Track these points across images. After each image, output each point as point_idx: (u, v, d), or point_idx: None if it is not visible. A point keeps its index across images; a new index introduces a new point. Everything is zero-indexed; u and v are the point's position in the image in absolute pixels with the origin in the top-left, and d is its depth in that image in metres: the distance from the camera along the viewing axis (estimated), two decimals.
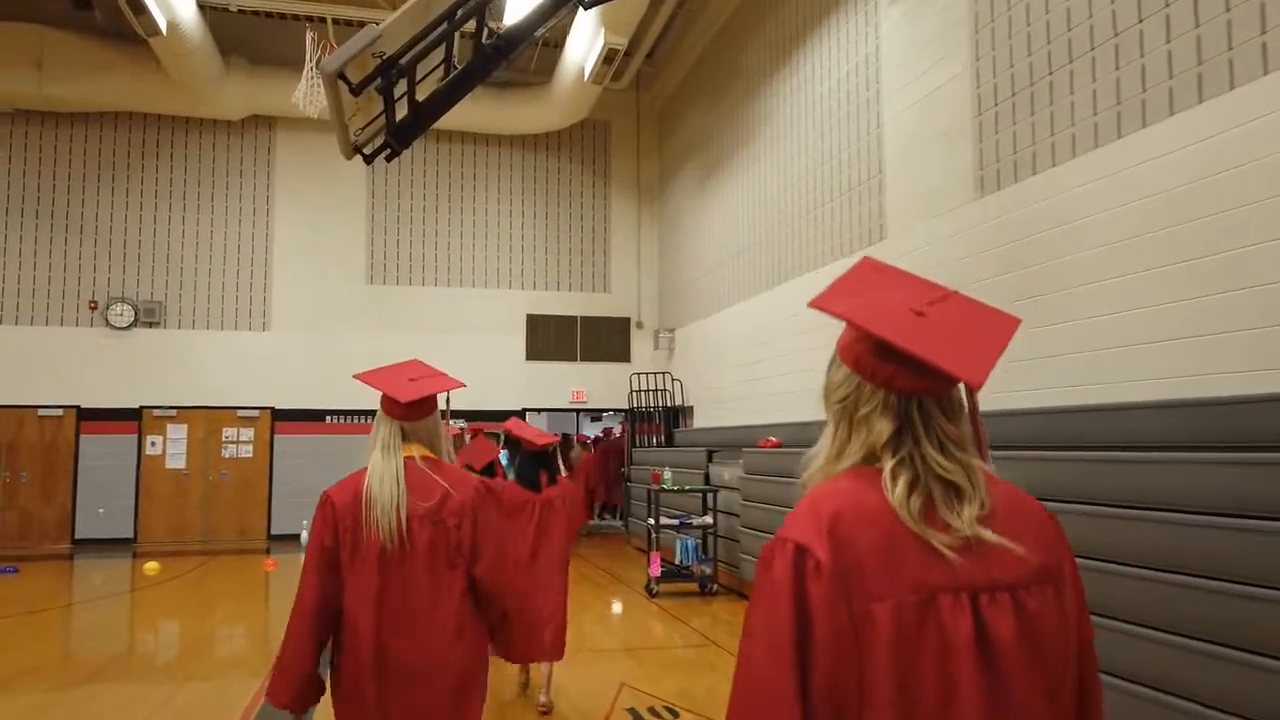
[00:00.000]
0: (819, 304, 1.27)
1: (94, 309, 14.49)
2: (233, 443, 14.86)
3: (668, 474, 9.57)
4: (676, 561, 9.32)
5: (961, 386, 1.21)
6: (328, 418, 15.17)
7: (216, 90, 13.79)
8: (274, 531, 14.80)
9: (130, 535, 14.32)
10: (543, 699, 5.38)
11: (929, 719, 1.07)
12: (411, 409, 2.53)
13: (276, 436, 15.00)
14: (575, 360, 16.15)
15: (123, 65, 13.35)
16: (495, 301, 15.95)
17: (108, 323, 14.46)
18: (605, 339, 16.30)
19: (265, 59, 14.25)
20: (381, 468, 2.53)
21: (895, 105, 8.20)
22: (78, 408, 14.31)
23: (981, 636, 1.10)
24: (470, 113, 14.92)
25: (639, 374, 14.45)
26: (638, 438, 14.83)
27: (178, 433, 14.65)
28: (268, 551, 13.80)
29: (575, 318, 16.23)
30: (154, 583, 10.86)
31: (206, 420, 14.77)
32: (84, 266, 14.56)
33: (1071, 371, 5.74)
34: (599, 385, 16.07)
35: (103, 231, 14.65)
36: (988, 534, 1.14)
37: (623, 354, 16.36)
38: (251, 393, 14.93)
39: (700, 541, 9.25)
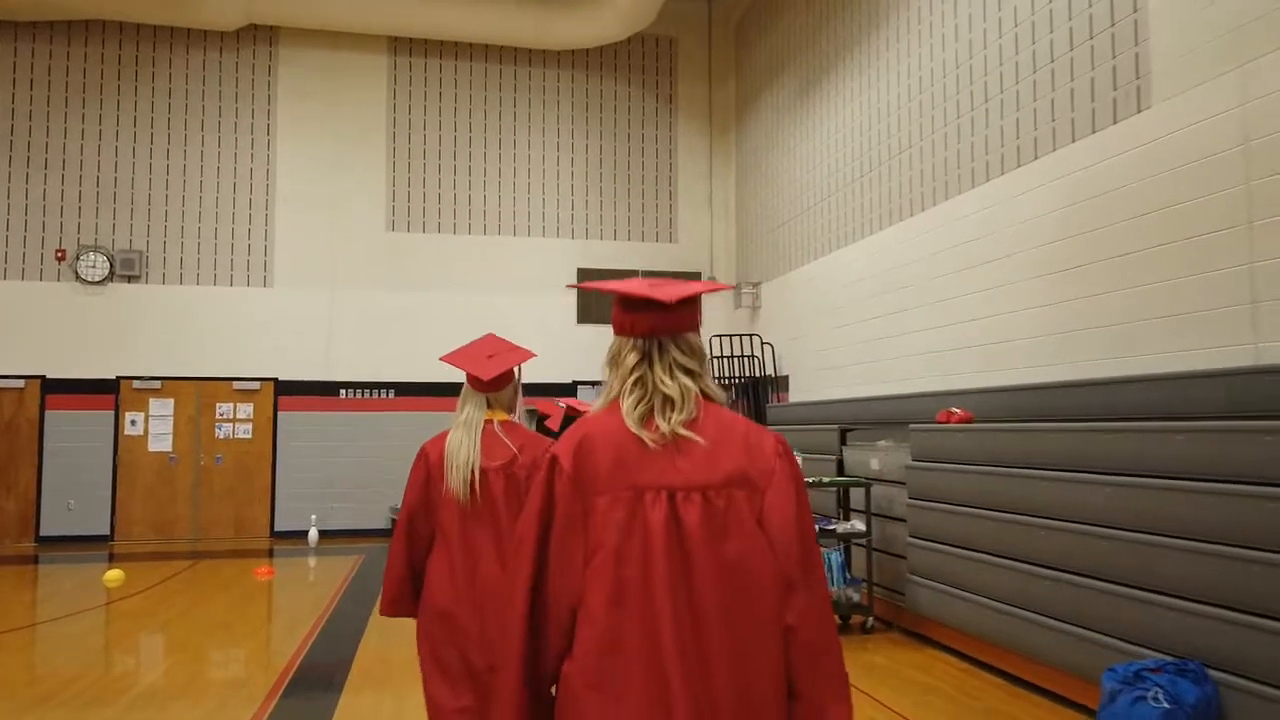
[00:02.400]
0: (586, 286, 2.01)
1: (61, 260, 12.04)
2: (228, 421, 12.40)
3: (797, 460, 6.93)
4: None
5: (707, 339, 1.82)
6: (342, 391, 12.67)
7: None
8: (278, 528, 12.36)
9: (106, 532, 11.91)
10: None
11: (635, 573, 1.57)
12: (493, 384, 2.92)
13: (280, 414, 12.52)
14: None
15: None
16: (540, 253, 13.34)
17: (78, 276, 12.01)
18: None
19: None
20: (462, 431, 2.88)
21: None
22: (42, 378, 11.90)
23: (674, 521, 1.59)
24: (509, 22, 12.26)
25: (722, 337, 11.79)
26: None
27: (162, 409, 12.20)
28: (270, 554, 11.34)
29: (635, 272, 13.58)
30: (120, 595, 8.43)
31: (197, 394, 12.31)
32: (49, 209, 12.10)
33: None
34: None
35: (71, 167, 12.17)
36: (682, 430, 1.62)
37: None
38: (251, 361, 12.45)
39: (845, 557, 6.61)
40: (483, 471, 2.83)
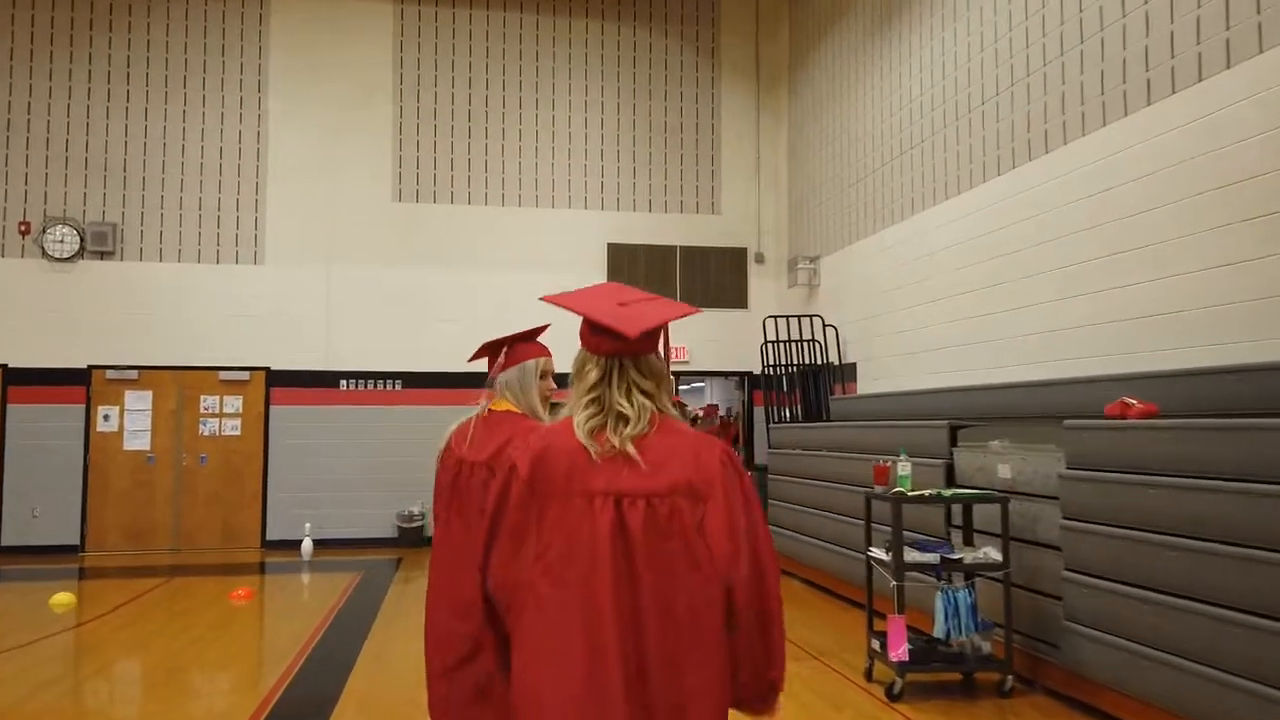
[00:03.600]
0: (551, 299, 1.98)
1: (25, 234, 10.64)
2: (214, 416, 10.96)
3: (904, 465, 5.31)
4: (934, 633, 5.07)
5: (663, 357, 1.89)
6: (343, 382, 11.20)
7: None
8: (270, 536, 10.91)
9: (76, 542, 10.51)
10: None
11: (583, 567, 1.72)
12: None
13: (273, 408, 11.07)
14: None
15: None
16: (565, 227, 11.80)
17: (44, 252, 10.61)
18: (713, 277, 12.07)
19: None
20: (467, 420, 2.76)
21: None
22: (4, 368, 10.51)
23: (619, 522, 1.74)
24: None
25: (778, 318, 10.20)
26: (770, 411, 10.59)
27: (140, 402, 10.79)
28: (260, 568, 9.90)
29: (673, 249, 12.01)
30: (75, 620, 7.02)
31: (178, 385, 10.88)
32: (12, 177, 10.70)
33: None
34: (706, 339, 11.88)
35: (36, 131, 10.76)
36: (629, 447, 1.76)
37: (736, 296, 12.11)
38: (239, 349, 11.01)
39: (972, 596, 5.01)
40: (466, 464, 2.68)
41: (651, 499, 1.74)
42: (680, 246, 12.02)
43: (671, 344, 1.96)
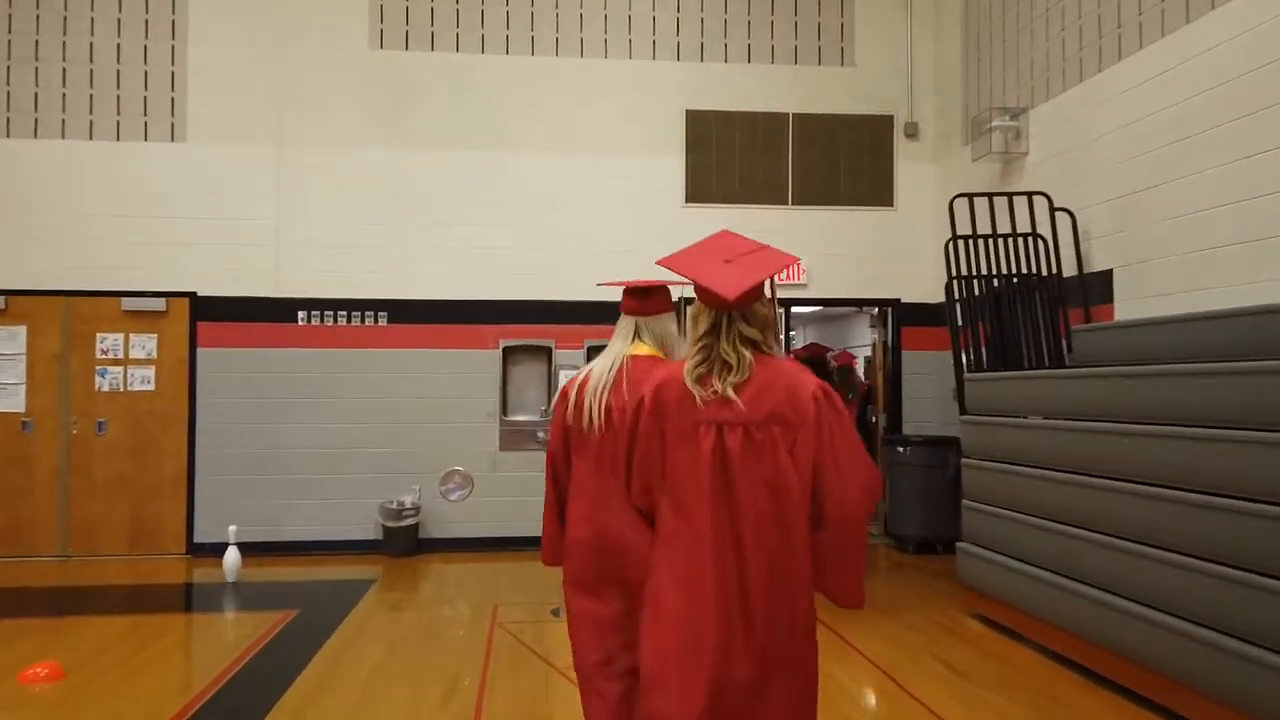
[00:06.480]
0: (663, 263, 2.15)
1: None
2: (116, 363, 7.59)
3: None
4: None
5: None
6: (301, 314, 7.71)
7: None
8: (200, 538, 7.54)
9: None
10: None
11: (690, 489, 2.04)
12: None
13: (201, 351, 7.65)
14: (784, 204, 8.13)
15: None
16: (625, 87, 8.04)
17: None
18: (842, 160, 8.19)
19: None
20: (601, 368, 2.68)
21: None
22: None
23: (720, 448, 2.02)
24: None
25: (973, 198, 6.20)
26: (964, 355, 6.65)
27: (8, 343, 7.47)
28: (186, 591, 6.54)
29: (782, 118, 8.15)
30: None
31: (64, 318, 7.53)
32: None
33: None
34: (830, 252, 8.05)
35: None
36: (730, 392, 2.01)
37: (877, 189, 8.21)
38: (152, 265, 7.60)
39: None
40: (614, 410, 2.62)
41: (749, 426, 2.01)
42: (794, 115, 8.14)
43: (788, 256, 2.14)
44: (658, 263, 2.22)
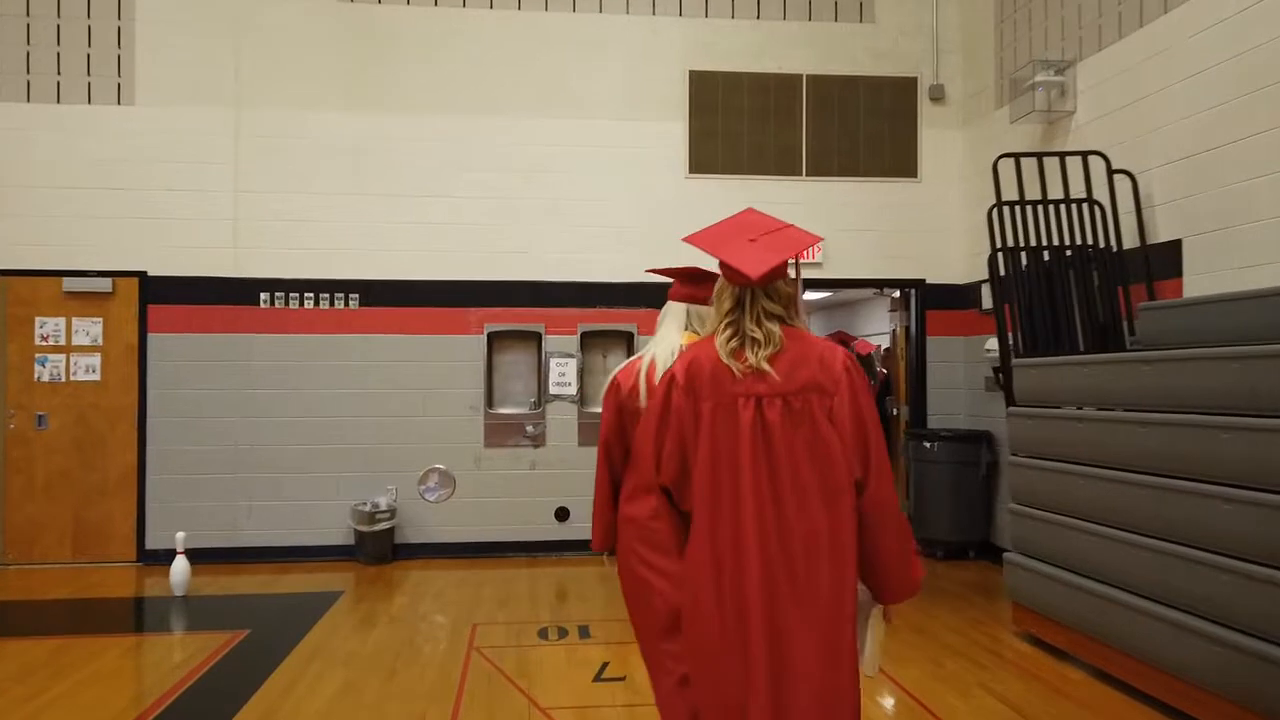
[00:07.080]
0: (689, 240, 2.19)
1: None
2: (58, 350, 6.85)
3: None
4: None
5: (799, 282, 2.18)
6: (264, 296, 6.97)
7: None
8: (151, 544, 6.81)
9: None
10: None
11: (729, 461, 2.03)
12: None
13: (152, 337, 6.91)
14: (798, 174, 7.39)
15: None
16: (624, 44, 7.30)
17: None
18: (861, 125, 7.45)
19: None
20: (655, 357, 2.66)
21: None
22: None
23: (760, 419, 2.03)
24: None
25: (1019, 158, 5.43)
26: (1012, 337, 5.85)
27: None
28: (136, 606, 5.81)
29: (795, 80, 7.41)
30: None
31: (1, 299, 6.80)
32: None
33: None
34: (848, 228, 7.33)
35: None
36: (764, 364, 2.03)
37: (899, 158, 7.48)
38: (97, 241, 6.85)
39: None
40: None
41: (788, 397, 2.04)
42: (807, 76, 7.40)
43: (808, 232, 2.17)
44: (685, 239, 2.26)
